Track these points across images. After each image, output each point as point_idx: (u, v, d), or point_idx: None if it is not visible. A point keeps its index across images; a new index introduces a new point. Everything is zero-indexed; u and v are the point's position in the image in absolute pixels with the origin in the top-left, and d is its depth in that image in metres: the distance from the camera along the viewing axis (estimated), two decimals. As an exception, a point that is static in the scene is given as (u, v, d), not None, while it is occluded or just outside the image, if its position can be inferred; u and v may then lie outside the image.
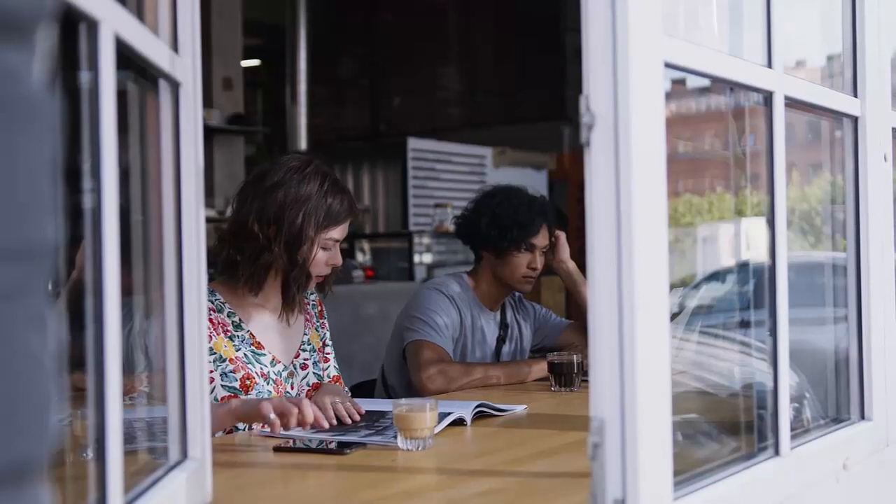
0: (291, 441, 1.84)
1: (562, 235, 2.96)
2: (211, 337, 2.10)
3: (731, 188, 1.81)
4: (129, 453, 1.00)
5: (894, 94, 1.82)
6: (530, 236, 2.81)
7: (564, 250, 2.95)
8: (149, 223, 1.24)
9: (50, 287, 0.63)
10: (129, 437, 0.98)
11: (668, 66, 1.14)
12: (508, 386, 2.65)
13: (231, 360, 2.12)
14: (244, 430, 2.10)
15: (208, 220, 1.42)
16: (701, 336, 1.76)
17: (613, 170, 1.06)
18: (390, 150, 7.60)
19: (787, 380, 1.43)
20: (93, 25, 0.89)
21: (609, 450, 1.06)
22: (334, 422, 1.96)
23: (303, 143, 7.64)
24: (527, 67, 8.65)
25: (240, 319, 2.18)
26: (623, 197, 1.06)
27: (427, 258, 6.82)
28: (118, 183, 0.93)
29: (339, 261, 2.23)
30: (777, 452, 1.41)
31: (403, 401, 1.82)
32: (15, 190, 0.58)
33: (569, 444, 1.86)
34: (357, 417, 2.00)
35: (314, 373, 2.30)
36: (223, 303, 2.18)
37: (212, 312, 2.13)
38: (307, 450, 1.79)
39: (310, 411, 1.86)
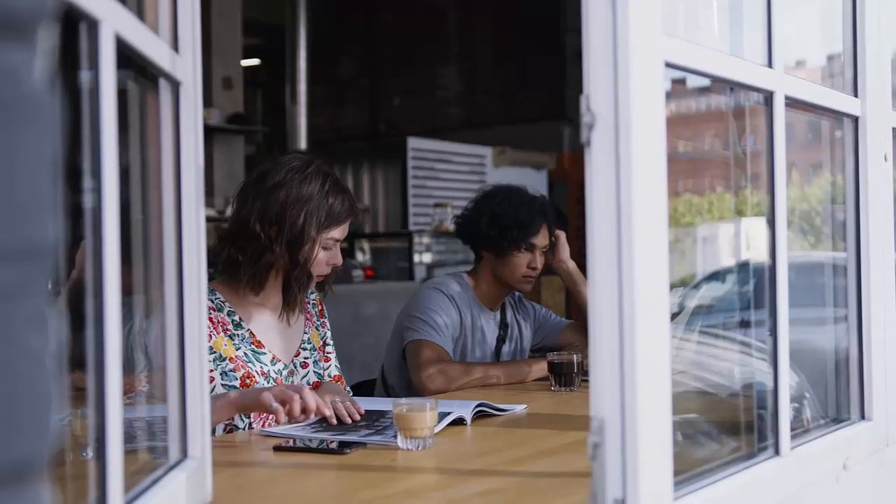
0: (292, 441, 1.84)
1: (562, 235, 2.96)
2: (211, 336, 2.10)
3: (732, 188, 1.81)
4: (129, 453, 1.00)
5: (894, 94, 1.82)
6: (530, 236, 2.81)
7: (564, 250, 2.95)
8: (149, 222, 1.24)
9: (50, 286, 0.63)
10: (129, 437, 0.98)
11: (668, 65, 1.14)
12: (508, 386, 2.65)
13: (231, 358, 2.12)
14: (244, 429, 2.10)
15: (208, 219, 1.42)
16: (701, 336, 1.76)
17: (614, 169, 1.06)
18: (390, 149, 7.61)
19: (788, 380, 1.43)
20: (93, 25, 0.89)
21: (609, 449, 1.06)
22: (334, 420, 1.96)
23: (303, 143, 7.64)
24: (527, 67, 8.65)
25: (240, 318, 2.19)
26: (623, 197, 1.06)
27: (427, 258, 6.82)
28: (118, 182, 0.93)
29: (339, 260, 2.23)
30: (777, 452, 1.41)
31: (403, 400, 1.82)
32: (15, 189, 0.58)
33: (569, 443, 1.86)
34: (357, 417, 2.00)
35: (314, 372, 2.31)
36: (223, 302, 2.18)
37: (212, 311, 2.14)
38: (307, 449, 1.79)
39: (311, 397, 1.88)
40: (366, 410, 2.06)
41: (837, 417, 1.74)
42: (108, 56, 0.91)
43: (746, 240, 1.73)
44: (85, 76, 0.90)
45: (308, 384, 2.27)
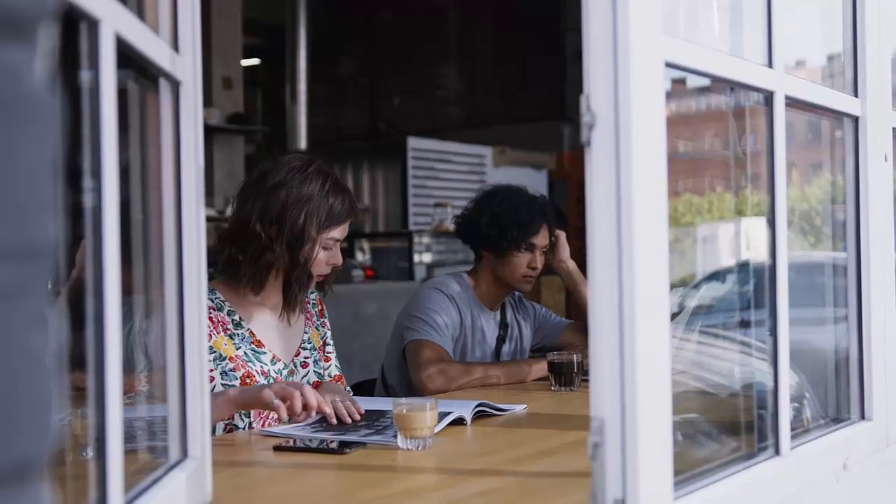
0: (292, 440, 1.84)
1: (562, 235, 2.95)
2: (211, 335, 2.10)
3: (732, 188, 1.81)
4: (129, 452, 1.00)
5: (895, 94, 1.82)
6: (530, 236, 2.81)
7: (564, 250, 2.95)
8: (149, 222, 1.24)
9: (49, 286, 0.63)
10: (129, 437, 0.98)
11: (668, 65, 1.14)
12: (508, 385, 2.65)
13: (231, 358, 2.12)
14: (244, 428, 2.10)
15: (208, 219, 1.42)
16: (701, 336, 1.76)
17: (614, 169, 1.06)
18: (390, 149, 7.60)
19: (788, 379, 1.43)
20: (93, 24, 0.89)
21: (609, 449, 1.06)
22: (334, 419, 1.97)
23: (302, 143, 7.64)
24: (527, 67, 8.65)
25: (240, 318, 2.19)
26: (623, 196, 1.06)
27: (427, 258, 6.82)
28: (118, 182, 0.93)
29: (339, 260, 2.24)
30: (777, 452, 1.41)
31: (403, 400, 1.82)
32: (16, 189, 0.58)
33: (569, 443, 1.86)
34: (357, 417, 2.00)
35: (315, 371, 2.31)
36: (223, 301, 2.18)
37: (211, 311, 2.14)
38: (307, 449, 1.79)
39: (312, 394, 1.89)
40: (366, 410, 2.06)
41: (837, 417, 1.74)
42: (108, 56, 0.91)
43: (746, 240, 1.73)
44: (85, 76, 0.90)
45: (308, 384, 2.27)
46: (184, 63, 1.26)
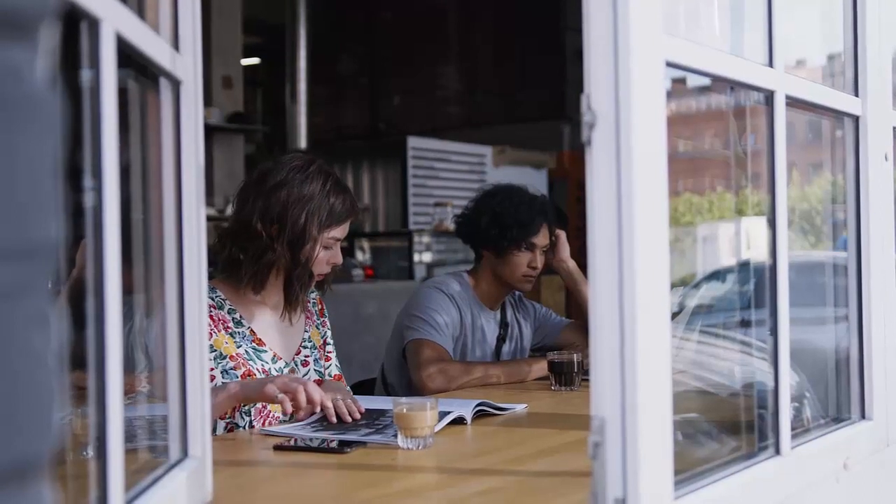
0: (292, 440, 1.84)
1: (562, 234, 2.95)
2: (212, 334, 2.10)
3: (732, 187, 1.81)
4: (130, 452, 1.00)
5: (895, 94, 1.82)
6: (531, 235, 2.81)
7: (565, 249, 2.95)
8: (149, 221, 1.24)
9: (50, 285, 0.63)
10: (129, 436, 0.98)
11: (669, 65, 1.14)
12: (509, 385, 2.65)
13: (232, 356, 2.12)
14: (244, 427, 2.10)
15: (208, 218, 1.42)
16: (701, 335, 1.76)
17: (614, 168, 1.06)
18: (390, 148, 7.60)
19: (788, 379, 1.43)
20: (94, 24, 0.89)
21: (610, 449, 1.06)
22: (333, 417, 1.97)
23: (302, 142, 7.64)
24: (527, 67, 8.65)
25: (240, 316, 2.19)
26: (624, 196, 1.06)
27: (427, 257, 6.82)
28: (119, 181, 0.93)
29: (339, 259, 2.24)
30: (777, 452, 1.41)
31: (403, 400, 1.82)
32: (16, 189, 0.58)
33: (569, 443, 1.86)
34: (357, 416, 2.01)
35: (315, 370, 2.31)
36: (223, 299, 2.18)
37: (212, 309, 2.14)
38: (307, 448, 1.79)
39: (315, 389, 1.90)
40: (366, 409, 2.07)
41: (838, 417, 1.74)
42: (108, 55, 0.91)
43: (747, 239, 1.73)
44: (86, 75, 0.90)
45: (309, 383, 2.28)
46: (184, 62, 1.26)
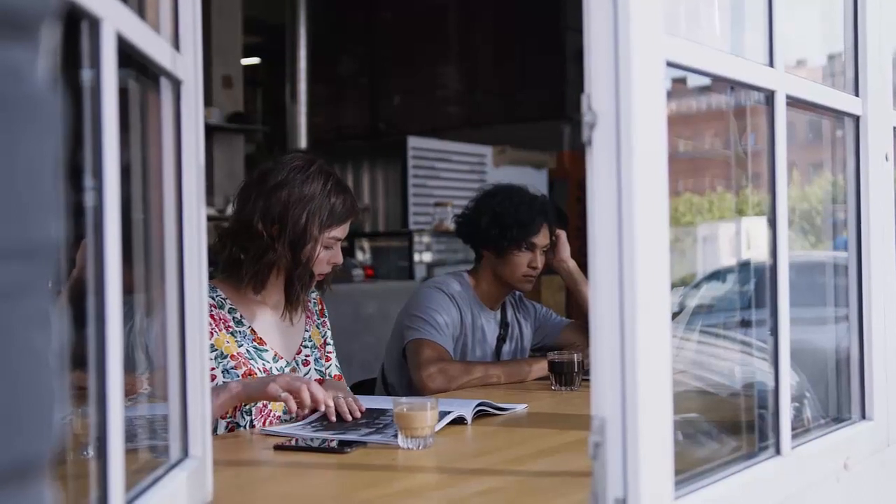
0: (292, 440, 1.84)
1: (562, 234, 2.95)
2: (213, 333, 2.11)
3: (732, 187, 1.81)
4: (130, 451, 1.00)
5: None
6: (531, 235, 2.81)
7: (565, 249, 2.95)
8: (150, 221, 1.24)
9: (50, 285, 0.63)
10: (129, 436, 0.98)
11: (669, 64, 1.14)
12: (509, 385, 2.65)
13: (233, 356, 2.13)
14: (245, 427, 2.11)
15: (208, 218, 1.42)
16: (701, 335, 1.76)
17: (615, 168, 1.06)
18: (390, 148, 7.60)
19: (788, 379, 1.42)
20: (95, 23, 0.89)
21: (610, 449, 1.06)
22: (333, 416, 1.98)
23: (303, 142, 7.63)
24: (527, 67, 8.65)
25: (241, 316, 2.19)
26: (624, 195, 1.06)
27: (427, 257, 6.82)
28: (119, 181, 0.93)
29: (339, 259, 2.24)
30: (778, 452, 1.41)
31: (404, 399, 1.82)
32: (17, 188, 0.58)
33: (569, 443, 1.86)
34: (358, 415, 2.01)
35: (316, 369, 2.31)
36: (224, 299, 2.18)
37: (213, 309, 2.14)
38: (308, 448, 1.79)
39: (317, 388, 1.91)
40: (366, 409, 2.07)
41: (838, 417, 1.74)
42: (109, 55, 0.91)
43: (747, 239, 1.73)
44: (86, 75, 0.90)
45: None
46: (185, 62, 1.26)
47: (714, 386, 1.72)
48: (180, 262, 1.26)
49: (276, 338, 2.24)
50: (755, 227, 1.58)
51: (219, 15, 6.91)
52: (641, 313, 1.06)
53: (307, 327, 2.33)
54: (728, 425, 1.59)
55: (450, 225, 6.20)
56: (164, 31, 1.21)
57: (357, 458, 1.73)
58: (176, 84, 1.24)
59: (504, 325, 2.96)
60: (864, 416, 1.71)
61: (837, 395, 1.77)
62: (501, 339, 2.94)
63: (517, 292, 3.00)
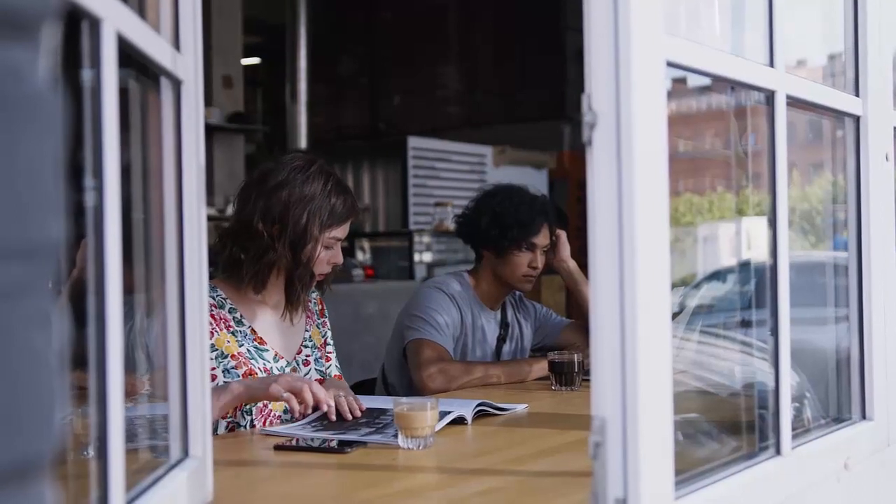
0: (293, 440, 1.84)
1: (563, 234, 2.95)
2: (213, 333, 2.11)
3: (732, 187, 1.81)
4: (130, 451, 1.00)
5: (896, 94, 1.82)
6: (531, 235, 2.81)
7: (565, 249, 2.95)
8: (150, 221, 1.24)
9: (51, 285, 0.63)
10: (130, 436, 0.98)
11: (670, 65, 1.14)
12: (509, 385, 2.65)
13: (233, 356, 2.13)
14: (245, 427, 2.11)
15: (208, 218, 1.42)
16: (702, 335, 1.76)
17: (615, 168, 1.06)
18: (390, 148, 7.60)
19: (789, 379, 1.42)
20: (95, 23, 0.89)
21: (610, 449, 1.06)
22: (333, 415, 1.98)
23: (303, 142, 7.63)
24: (527, 67, 8.65)
25: (241, 316, 2.19)
26: (625, 195, 1.06)
27: (427, 257, 6.82)
28: (120, 181, 0.93)
29: (340, 259, 2.24)
30: (778, 452, 1.41)
31: (404, 399, 1.82)
32: (18, 188, 0.58)
33: (569, 443, 1.86)
34: (358, 414, 2.02)
35: (316, 369, 2.31)
36: (224, 299, 2.18)
37: (213, 308, 2.14)
38: (308, 448, 1.79)
39: (319, 388, 1.93)
40: (366, 408, 2.07)
41: (838, 417, 1.74)
42: (109, 55, 0.91)
43: (747, 239, 1.73)
44: (87, 75, 0.90)
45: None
46: (185, 62, 1.26)
47: (714, 386, 1.72)
48: (180, 262, 1.26)
49: (276, 338, 2.24)
50: (755, 227, 1.58)
51: (219, 15, 6.91)
52: (642, 313, 1.06)
53: (307, 327, 2.34)
54: (728, 425, 1.59)
55: (450, 225, 6.19)
56: (164, 31, 1.21)
57: (357, 458, 1.73)
58: (176, 84, 1.24)
59: (504, 325, 2.96)
60: (864, 417, 1.71)
61: (838, 395, 1.77)
62: (501, 339, 2.94)
63: (517, 292, 3.00)
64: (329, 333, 2.41)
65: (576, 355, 2.54)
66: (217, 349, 2.11)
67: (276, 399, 1.92)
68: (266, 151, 8.71)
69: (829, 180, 1.85)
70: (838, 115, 1.71)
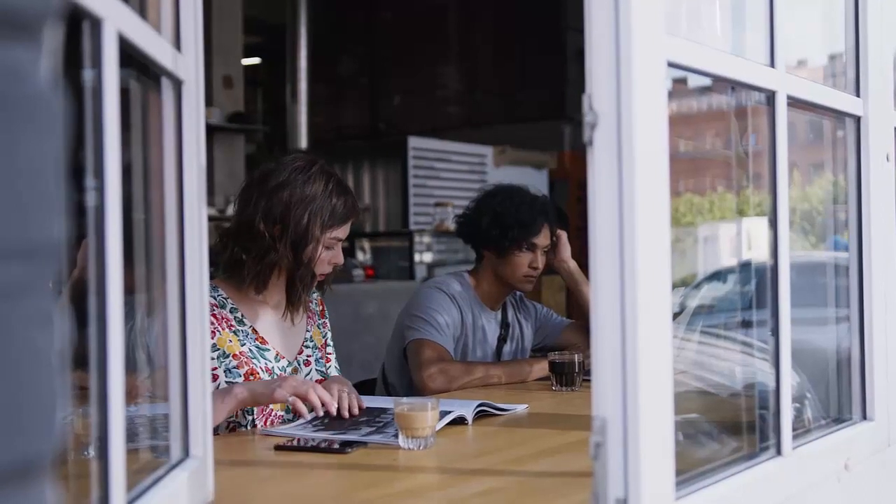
0: (293, 440, 1.84)
1: (563, 235, 2.95)
2: (215, 333, 2.11)
3: (733, 188, 1.81)
4: (131, 451, 1.00)
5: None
6: (532, 236, 2.81)
7: (566, 249, 2.95)
8: (151, 221, 1.24)
9: (51, 285, 0.63)
10: (130, 435, 0.98)
11: (670, 65, 1.14)
12: (509, 385, 2.65)
13: (235, 355, 2.13)
14: (246, 427, 2.11)
15: (209, 218, 1.42)
16: (702, 336, 1.76)
17: (616, 168, 1.06)
18: (390, 148, 7.60)
19: (789, 380, 1.42)
20: (96, 23, 0.89)
21: (611, 449, 1.06)
22: (334, 412, 1.99)
23: (303, 142, 7.63)
24: (527, 67, 8.65)
25: (242, 316, 2.19)
26: (625, 196, 1.06)
27: (427, 257, 6.81)
28: (121, 181, 0.93)
29: (340, 259, 2.24)
30: (779, 452, 1.41)
31: (404, 400, 1.82)
32: (19, 188, 0.58)
33: (570, 443, 1.86)
34: (357, 412, 2.03)
35: (317, 369, 2.31)
36: (226, 299, 2.19)
37: (215, 308, 2.14)
38: (308, 448, 1.79)
39: (324, 391, 1.95)
40: (367, 408, 2.08)
41: (839, 417, 1.74)
42: (110, 55, 0.91)
43: (748, 240, 1.73)
44: (88, 75, 0.90)
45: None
46: (186, 62, 1.26)
47: (715, 386, 1.72)
48: (181, 262, 1.26)
49: (277, 338, 2.24)
50: (756, 227, 1.58)
51: (219, 15, 6.91)
52: (642, 313, 1.06)
53: (308, 327, 2.34)
54: (729, 426, 1.59)
55: (450, 225, 6.20)
56: (165, 31, 1.21)
57: (358, 458, 1.73)
58: (177, 84, 1.24)
59: (505, 325, 2.96)
60: (864, 417, 1.71)
61: (838, 395, 1.77)
62: (502, 340, 2.94)
63: (518, 292, 3.00)
64: (329, 334, 2.41)
65: (576, 356, 2.54)
66: (219, 349, 2.11)
67: (282, 403, 1.94)
68: (266, 151, 8.71)
69: (830, 180, 1.85)
70: (839, 115, 1.71)
